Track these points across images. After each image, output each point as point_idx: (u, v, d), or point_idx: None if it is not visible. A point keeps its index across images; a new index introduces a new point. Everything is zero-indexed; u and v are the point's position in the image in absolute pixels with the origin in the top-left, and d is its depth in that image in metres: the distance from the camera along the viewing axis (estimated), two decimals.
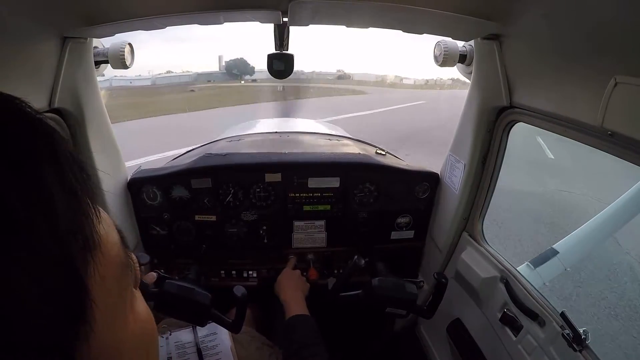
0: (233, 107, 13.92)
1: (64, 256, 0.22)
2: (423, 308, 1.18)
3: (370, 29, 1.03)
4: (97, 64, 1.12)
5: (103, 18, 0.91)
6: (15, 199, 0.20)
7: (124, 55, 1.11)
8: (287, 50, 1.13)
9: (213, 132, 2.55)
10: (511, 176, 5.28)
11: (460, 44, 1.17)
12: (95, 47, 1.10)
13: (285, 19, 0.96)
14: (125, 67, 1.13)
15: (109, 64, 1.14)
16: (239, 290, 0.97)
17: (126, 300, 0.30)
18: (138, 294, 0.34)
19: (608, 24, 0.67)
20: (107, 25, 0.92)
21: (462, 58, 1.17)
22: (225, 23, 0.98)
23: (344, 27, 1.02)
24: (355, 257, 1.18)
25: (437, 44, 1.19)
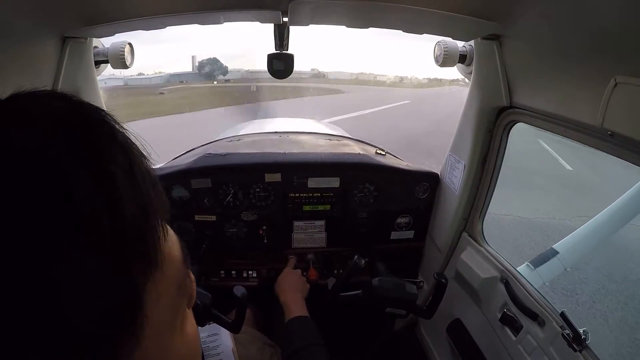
0: (202, 111, 12.19)
1: (124, 266, 0.22)
2: (423, 308, 1.18)
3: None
4: (97, 63, 1.13)
5: (103, 18, 0.91)
6: (85, 200, 0.20)
7: (124, 55, 1.11)
8: (287, 50, 1.13)
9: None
10: (544, 201, 4.64)
11: (460, 44, 1.17)
12: (95, 47, 1.10)
13: (285, 19, 0.96)
14: (126, 66, 1.13)
15: (109, 64, 1.14)
16: (239, 290, 0.97)
17: (178, 319, 0.29)
18: (190, 314, 0.33)
19: (608, 24, 0.67)
20: (107, 25, 0.92)
21: (462, 58, 1.17)
22: (225, 23, 0.98)
23: (343, 27, 1.02)
24: (356, 257, 1.19)
25: (437, 44, 1.19)
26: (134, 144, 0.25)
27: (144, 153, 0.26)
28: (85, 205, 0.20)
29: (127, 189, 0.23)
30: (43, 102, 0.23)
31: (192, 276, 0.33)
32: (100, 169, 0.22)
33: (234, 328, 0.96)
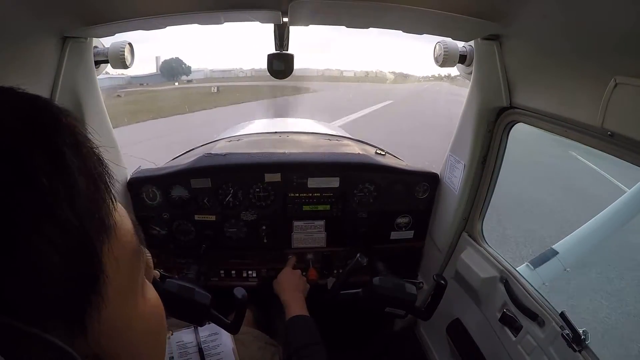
0: (148, 121, 10.21)
1: (82, 229, 0.24)
2: (421, 309, 1.18)
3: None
4: (97, 63, 1.12)
5: (103, 18, 0.91)
6: (41, 172, 0.23)
7: (124, 54, 1.11)
8: (287, 50, 1.13)
9: None
10: None
11: (460, 44, 1.17)
12: (95, 47, 1.10)
13: (286, 19, 0.96)
14: (126, 66, 1.13)
15: (109, 64, 1.14)
16: (240, 292, 0.97)
17: (137, 284, 0.33)
18: (149, 284, 0.36)
19: (608, 24, 0.68)
20: (107, 25, 0.92)
21: (462, 58, 1.17)
22: (225, 23, 0.98)
23: (343, 27, 1.02)
24: (358, 255, 1.19)
25: (437, 44, 1.19)
26: (79, 127, 0.28)
27: (87, 134, 0.29)
28: (44, 180, 0.23)
29: (76, 164, 0.25)
30: None
31: (146, 252, 0.36)
32: (51, 148, 0.24)
33: (232, 329, 0.96)
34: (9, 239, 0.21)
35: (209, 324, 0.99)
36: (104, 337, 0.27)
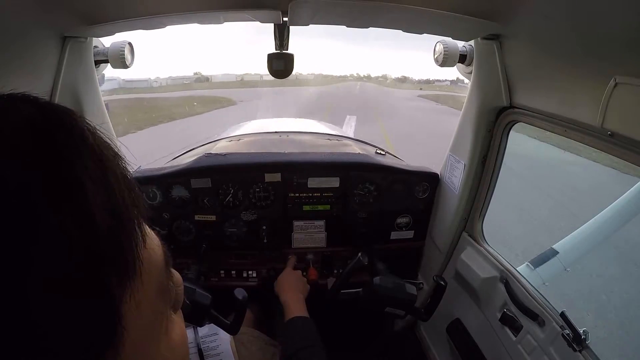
0: None
1: (99, 281, 0.21)
2: (421, 310, 1.18)
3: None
4: (97, 63, 1.13)
5: (103, 17, 0.91)
6: (51, 215, 0.19)
7: (124, 54, 1.11)
8: (287, 50, 1.13)
9: None
10: None
11: (460, 44, 1.17)
12: (95, 47, 1.10)
13: (285, 19, 0.96)
14: (125, 66, 1.13)
15: (109, 64, 1.14)
16: (240, 292, 0.97)
17: (160, 325, 0.28)
18: (177, 318, 0.32)
19: (608, 24, 0.67)
20: (107, 24, 0.93)
21: (462, 58, 1.17)
22: (225, 23, 0.98)
23: (343, 27, 1.02)
24: (360, 254, 1.19)
25: (438, 43, 1.19)
26: (108, 147, 0.24)
27: (119, 155, 0.25)
28: (52, 222, 0.19)
29: (98, 199, 0.21)
30: (11, 108, 0.21)
31: (178, 278, 0.32)
32: (67, 180, 0.20)
33: (231, 330, 0.96)
34: (11, 298, 0.17)
35: (209, 324, 0.99)
36: None
